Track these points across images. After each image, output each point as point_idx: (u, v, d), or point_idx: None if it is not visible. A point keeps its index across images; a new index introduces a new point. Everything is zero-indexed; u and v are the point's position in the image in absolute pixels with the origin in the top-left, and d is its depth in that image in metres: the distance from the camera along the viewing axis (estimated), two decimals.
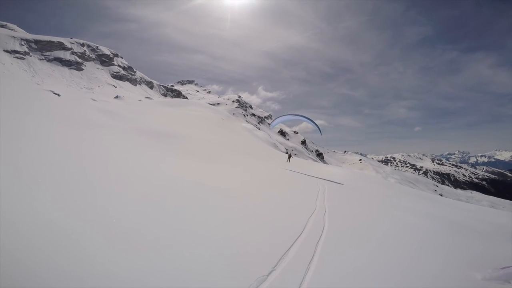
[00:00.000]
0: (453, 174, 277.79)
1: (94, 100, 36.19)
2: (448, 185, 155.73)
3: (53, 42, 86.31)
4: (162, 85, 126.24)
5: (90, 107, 25.71)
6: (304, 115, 21.60)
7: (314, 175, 18.16)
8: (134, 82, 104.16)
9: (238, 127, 49.68)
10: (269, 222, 5.82)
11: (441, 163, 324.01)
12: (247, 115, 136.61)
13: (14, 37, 77.87)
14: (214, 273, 3.35)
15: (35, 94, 23.45)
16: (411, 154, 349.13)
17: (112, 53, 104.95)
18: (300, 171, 19.35)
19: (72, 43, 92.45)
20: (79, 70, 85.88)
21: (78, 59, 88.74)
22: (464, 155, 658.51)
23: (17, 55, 72.57)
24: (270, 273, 3.57)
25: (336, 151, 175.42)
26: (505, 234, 9.01)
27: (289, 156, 23.41)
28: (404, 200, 14.07)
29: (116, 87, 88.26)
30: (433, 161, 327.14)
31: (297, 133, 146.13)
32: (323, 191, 11.29)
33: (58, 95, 30.39)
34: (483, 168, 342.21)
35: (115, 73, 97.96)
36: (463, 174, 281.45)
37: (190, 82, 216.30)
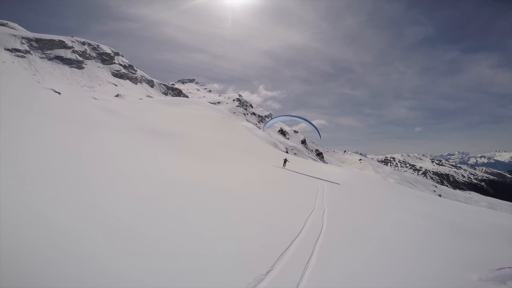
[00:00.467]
0: (452, 175, 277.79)
1: (95, 98, 36.19)
2: (447, 186, 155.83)
3: (54, 40, 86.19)
4: (163, 84, 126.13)
5: (91, 105, 25.72)
6: (302, 117, 20.96)
7: (313, 175, 18.19)
8: (134, 80, 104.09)
9: (238, 126, 49.68)
10: (267, 221, 5.84)
11: (440, 163, 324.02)
12: (247, 114, 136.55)
13: (15, 35, 77.81)
14: (212, 272, 3.38)
15: (36, 92, 23.45)
16: (411, 155, 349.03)
17: (113, 52, 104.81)
18: (299, 170, 19.38)
19: (73, 41, 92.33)
20: (80, 69, 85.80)
21: (79, 57, 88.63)
22: (464, 155, 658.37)
23: (18, 53, 72.51)
24: (268, 272, 3.59)
25: (336, 150, 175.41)
26: (503, 235, 9.05)
27: (285, 161, 21.51)
28: (403, 200, 14.11)
29: (116, 85, 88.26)
30: (432, 162, 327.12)
31: (297, 132, 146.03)
32: (322, 191, 11.31)
33: (59, 93, 30.39)
34: (483, 169, 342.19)
35: (116, 72, 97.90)
36: (462, 175, 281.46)
37: (191, 81, 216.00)
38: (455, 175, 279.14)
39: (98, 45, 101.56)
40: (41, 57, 78.83)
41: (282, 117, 22.17)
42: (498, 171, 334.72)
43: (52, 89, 31.93)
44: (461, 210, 13.97)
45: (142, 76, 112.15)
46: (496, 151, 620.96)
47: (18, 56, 71.74)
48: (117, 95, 60.02)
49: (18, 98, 15.94)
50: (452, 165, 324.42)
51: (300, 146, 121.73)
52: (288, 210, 7.36)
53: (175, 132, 22.86)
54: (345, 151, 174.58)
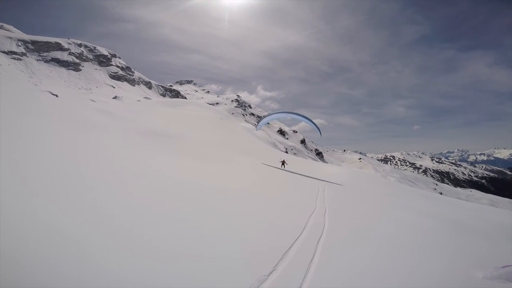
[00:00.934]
0: (452, 173, 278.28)
1: (93, 100, 36.08)
2: (448, 184, 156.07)
3: (50, 42, 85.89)
4: (161, 85, 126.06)
5: (89, 107, 25.62)
6: (298, 113, 19.21)
7: (314, 175, 18.12)
8: (132, 82, 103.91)
9: (237, 127, 49.64)
10: (269, 222, 5.79)
11: (440, 161, 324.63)
12: (246, 115, 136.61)
13: (10, 37, 77.33)
14: (215, 273, 3.33)
15: (33, 95, 23.35)
16: (411, 153, 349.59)
17: (110, 54, 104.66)
18: (299, 170, 19.31)
19: (70, 43, 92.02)
20: (77, 71, 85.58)
21: (75, 59, 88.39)
22: (463, 153, 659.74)
23: (14, 56, 72.14)
24: (271, 273, 3.54)
25: (335, 150, 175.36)
26: (506, 233, 9.00)
27: (283, 163, 19.81)
28: (404, 199, 14.06)
29: (114, 87, 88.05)
30: (432, 160, 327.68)
31: (296, 132, 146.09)
32: (323, 191, 11.26)
33: (56, 96, 30.27)
34: (482, 167, 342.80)
35: (113, 74, 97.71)
36: (463, 173, 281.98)
37: (189, 82, 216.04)
38: (455, 173, 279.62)
39: (95, 47, 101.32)
40: (38, 60, 78.53)
41: (276, 114, 20.45)
42: (498, 168, 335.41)
43: (49, 92, 31.80)
44: (463, 208, 13.92)
45: (139, 77, 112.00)
46: (495, 148, 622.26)
47: (14, 58, 71.35)
48: (115, 97, 59.92)
49: (15, 101, 15.84)
50: (452, 163, 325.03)
51: (300, 146, 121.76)
52: (289, 210, 7.31)
53: (173, 133, 22.78)
54: (344, 150, 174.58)
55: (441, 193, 58.11)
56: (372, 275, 4.05)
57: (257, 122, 23.02)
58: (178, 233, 4.24)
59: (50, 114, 15.26)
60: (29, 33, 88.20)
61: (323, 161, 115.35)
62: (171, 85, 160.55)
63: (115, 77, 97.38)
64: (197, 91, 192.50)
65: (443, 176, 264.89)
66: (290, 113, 19.43)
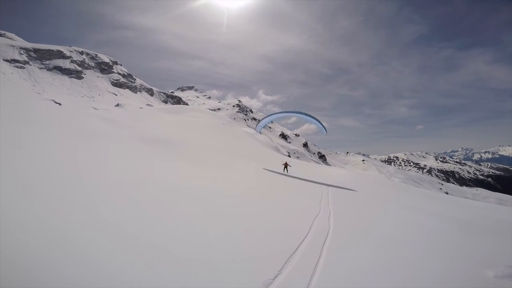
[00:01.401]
0: (457, 172, 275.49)
1: (95, 108, 36.36)
2: (453, 183, 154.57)
3: (52, 50, 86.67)
4: (162, 92, 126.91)
5: (92, 116, 25.80)
6: (300, 111, 17.18)
7: (317, 178, 18.02)
8: (134, 89, 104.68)
9: (239, 132, 49.67)
10: (274, 225, 5.75)
11: (444, 161, 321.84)
12: (248, 120, 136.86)
13: (13, 46, 77.93)
14: (220, 277, 3.31)
15: (37, 104, 23.59)
16: (414, 153, 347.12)
17: (111, 61, 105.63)
18: (302, 174, 19.21)
19: (71, 51, 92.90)
20: (79, 79, 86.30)
21: (77, 67, 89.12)
22: (468, 152, 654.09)
23: (17, 64, 72.74)
24: (276, 276, 3.50)
25: (338, 152, 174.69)
26: None
27: (285, 166, 18.42)
28: (410, 199, 13.90)
29: (116, 95, 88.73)
30: (436, 159, 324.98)
31: (299, 135, 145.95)
32: (326, 193, 11.18)
33: (59, 104, 30.55)
34: (488, 165, 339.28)
35: (115, 81, 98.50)
36: (468, 171, 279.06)
37: (190, 88, 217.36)
38: (460, 172, 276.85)
39: (96, 55, 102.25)
40: (40, 68, 79.20)
41: (275, 115, 18.56)
42: (504, 166, 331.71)
43: (52, 100, 32.09)
44: (470, 207, 13.72)
45: (141, 84, 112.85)
46: (500, 146, 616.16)
47: (17, 67, 71.93)
48: (117, 105, 60.32)
49: (19, 110, 15.99)
50: (457, 162, 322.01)
51: (302, 150, 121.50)
52: (294, 213, 7.27)
53: (176, 140, 22.84)
54: (347, 153, 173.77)
55: (447, 193, 57.49)
56: (381, 278, 3.98)
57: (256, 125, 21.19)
58: (184, 238, 4.23)
59: (54, 123, 15.38)
60: (31, 41, 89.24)
61: (326, 164, 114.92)
62: (172, 92, 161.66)
63: (117, 84, 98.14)
64: (198, 97, 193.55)
65: (448, 176, 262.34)
66: (291, 112, 17.60)
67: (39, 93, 56.42)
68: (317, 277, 3.64)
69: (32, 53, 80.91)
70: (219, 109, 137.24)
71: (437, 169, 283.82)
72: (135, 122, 30.11)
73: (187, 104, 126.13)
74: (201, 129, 37.02)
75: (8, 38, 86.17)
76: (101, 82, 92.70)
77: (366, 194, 12.58)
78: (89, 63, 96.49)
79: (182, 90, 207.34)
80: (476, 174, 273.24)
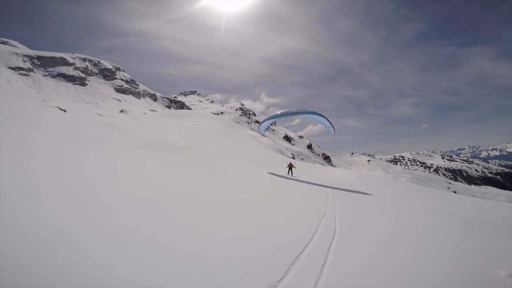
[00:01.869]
0: (465, 170, 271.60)
1: (100, 115, 36.73)
2: (461, 182, 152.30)
3: (56, 57, 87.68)
4: (165, 97, 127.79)
5: (97, 122, 26.08)
6: (305, 110, 15.38)
7: (322, 179, 17.90)
8: (137, 95, 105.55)
9: (242, 135, 49.68)
10: (279, 227, 5.72)
11: (451, 159, 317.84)
12: (251, 123, 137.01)
13: (16, 53, 78.69)
14: (225, 279, 3.28)
15: (43, 111, 23.93)
16: (420, 152, 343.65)
17: (114, 67, 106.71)
18: (308, 175, 19.09)
19: (74, 58, 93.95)
20: (83, 85, 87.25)
21: (81, 74, 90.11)
22: (475, 149, 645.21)
23: (21, 71, 73.64)
24: (282, 278, 3.46)
25: (343, 153, 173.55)
26: None
27: (290, 168, 17.16)
28: (417, 199, 13.72)
29: (120, 101, 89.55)
30: (443, 158, 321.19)
31: (302, 137, 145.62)
32: (332, 194, 11.09)
33: (65, 111, 30.92)
34: (496, 162, 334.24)
35: (118, 87, 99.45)
36: (476, 169, 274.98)
37: (193, 92, 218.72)
38: (468, 170, 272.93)
39: (99, 61, 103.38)
40: (44, 75, 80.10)
41: (279, 116, 16.69)
42: None
43: (57, 107, 32.50)
44: (480, 206, 13.48)
45: (144, 90, 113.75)
46: (507, 143, 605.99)
47: (21, 74, 72.73)
48: (122, 111, 60.91)
49: (27, 117, 16.23)
50: (464, 160, 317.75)
51: (307, 151, 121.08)
52: (300, 215, 7.23)
53: (180, 145, 22.94)
54: (352, 153, 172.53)
55: (455, 192, 56.63)
56: (389, 279, 3.90)
57: (259, 126, 19.76)
58: (188, 239, 4.22)
59: (60, 129, 15.56)
60: (34, 49, 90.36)
61: (331, 165, 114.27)
62: (175, 97, 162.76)
63: (120, 90, 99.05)
64: (201, 101, 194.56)
65: (456, 174, 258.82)
66: (296, 113, 15.78)
67: (44, 100, 57.15)
68: (323, 279, 3.58)
69: (35, 61, 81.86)
70: (222, 113, 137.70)
71: (444, 168, 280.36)
72: (139, 127, 30.35)
73: (190, 108, 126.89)
74: (205, 133, 37.15)
75: (11, 45, 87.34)
76: (104, 88, 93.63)
77: (372, 195, 12.43)
78: (92, 69, 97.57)
79: (185, 95, 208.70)
80: (484, 172, 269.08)
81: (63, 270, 2.89)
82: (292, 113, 15.68)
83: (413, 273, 4.22)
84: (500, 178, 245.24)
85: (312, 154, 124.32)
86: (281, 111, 15.88)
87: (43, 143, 10.43)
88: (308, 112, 15.36)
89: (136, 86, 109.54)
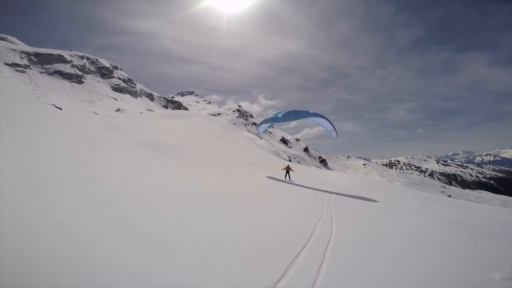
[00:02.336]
0: (459, 175, 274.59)
1: (96, 113, 36.46)
2: (456, 186, 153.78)
3: (53, 55, 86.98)
4: (163, 97, 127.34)
5: (93, 120, 25.88)
6: (309, 111, 14.44)
7: (318, 182, 17.94)
8: (134, 94, 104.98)
9: (239, 137, 49.65)
10: (276, 229, 5.71)
11: (446, 164, 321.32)
12: (248, 124, 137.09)
13: (14, 50, 77.94)
14: (222, 281, 3.27)
15: (38, 108, 23.69)
16: (415, 156, 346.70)
17: (111, 66, 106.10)
18: (304, 178, 19.12)
19: (72, 55, 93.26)
20: (79, 83, 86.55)
21: (78, 72, 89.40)
22: (469, 154, 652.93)
23: (18, 68, 72.87)
24: (279, 280, 3.45)
25: (339, 156, 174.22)
26: None
27: (287, 171, 16.09)
28: (413, 203, 13.82)
29: (117, 99, 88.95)
30: (438, 162, 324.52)
31: (299, 140, 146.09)
32: (328, 197, 11.12)
33: (60, 108, 30.64)
34: (490, 167, 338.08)
35: (115, 86, 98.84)
36: (470, 174, 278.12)
37: (190, 93, 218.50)
38: (462, 174, 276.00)
39: (96, 59, 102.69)
40: (41, 72, 79.32)
41: (277, 119, 15.24)
42: (506, 168, 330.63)
43: (53, 105, 32.17)
44: (474, 210, 13.61)
45: (141, 89, 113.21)
46: (501, 148, 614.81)
47: (18, 71, 71.94)
48: (118, 110, 60.52)
49: (21, 115, 16.04)
50: (458, 165, 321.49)
51: (303, 154, 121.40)
52: (296, 217, 7.23)
53: (176, 145, 22.84)
54: (348, 157, 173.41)
55: (449, 196, 57.13)
56: (384, 281, 3.91)
57: (257, 127, 18.81)
58: (185, 241, 4.21)
59: (56, 127, 15.40)
60: (32, 45, 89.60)
61: (327, 168, 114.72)
62: (172, 97, 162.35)
63: (117, 89, 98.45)
64: (198, 102, 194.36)
65: (450, 179, 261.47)
66: (297, 116, 14.66)
67: (40, 98, 56.54)
68: (320, 281, 3.58)
69: (33, 57, 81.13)
70: (219, 114, 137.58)
71: (439, 172, 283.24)
72: (136, 127, 30.18)
73: (187, 109, 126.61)
74: (201, 134, 37.07)
75: (9, 42, 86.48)
76: (101, 87, 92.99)
77: (368, 198, 12.49)
78: (90, 67, 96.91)
79: (182, 95, 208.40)
80: (478, 176, 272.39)
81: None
82: (294, 115, 14.75)
83: (408, 275, 4.24)
84: (494, 183, 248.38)
85: (309, 157, 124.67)
86: (282, 112, 14.71)
87: (40, 142, 10.31)
88: (311, 114, 14.58)
89: (133, 85, 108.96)
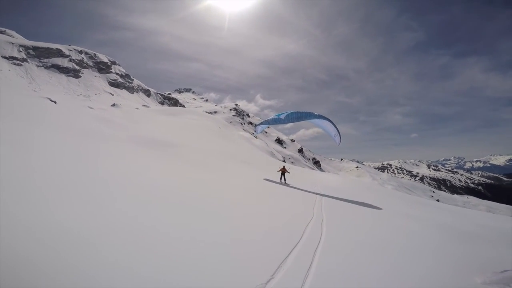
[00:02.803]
0: (449, 180, 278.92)
1: (91, 108, 36.08)
2: (445, 191, 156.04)
3: (51, 49, 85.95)
4: (159, 93, 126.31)
5: (87, 115, 25.63)
6: (313, 113, 13.62)
7: (311, 184, 18.13)
8: (131, 90, 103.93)
9: (235, 136, 49.69)
10: (267, 230, 5.80)
11: (437, 169, 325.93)
12: (244, 124, 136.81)
13: (12, 43, 77.19)
14: (212, 281, 3.32)
15: (33, 101, 23.36)
16: (407, 161, 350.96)
17: (109, 61, 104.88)
18: (297, 179, 19.29)
19: (70, 50, 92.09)
20: (76, 78, 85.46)
21: (76, 66, 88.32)
22: (460, 160, 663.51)
23: (14, 61, 71.92)
24: (268, 281, 3.53)
25: (333, 158, 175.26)
26: (504, 238, 9.02)
27: (283, 173, 15.25)
28: (402, 206, 14.09)
29: (113, 95, 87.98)
30: (429, 167, 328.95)
31: (294, 141, 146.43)
32: (320, 199, 11.29)
33: (55, 102, 30.26)
34: (479, 173, 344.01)
35: (112, 81, 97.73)
36: (459, 180, 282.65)
37: (188, 90, 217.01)
38: (452, 180, 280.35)
39: (95, 54, 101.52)
40: (38, 66, 78.43)
41: (279, 121, 14.40)
42: (495, 175, 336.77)
43: (48, 98, 31.76)
44: (460, 215, 13.96)
45: (138, 85, 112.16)
46: (491, 155, 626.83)
47: (14, 64, 71.12)
48: (113, 105, 59.79)
49: (14, 108, 15.84)
50: (449, 170, 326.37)
51: (297, 155, 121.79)
52: (287, 218, 7.31)
53: (172, 142, 22.79)
54: (342, 159, 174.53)
55: (438, 200, 58.07)
56: (371, 283, 4.06)
57: (255, 131, 18.42)
58: (177, 240, 4.24)
59: (49, 121, 15.26)
60: (32, 39, 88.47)
61: (321, 170, 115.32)
62: (169, 93, 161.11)
63: (114, 84, 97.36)
64: (195, 99, 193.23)
65: (440, 183, 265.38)
66: (300, 117, 13.76)
67: (35, 91, 55.75)
68: (309, 282, 3.69)
69: (31, 51, 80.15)
70: (215, 112, 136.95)
71: (429, 177, 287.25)
72: (131, 122, 29.97)
73: (184, 106, 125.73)
74: (197, 131, 36.98)
75: (8, 35, 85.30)
76: (98, 81, 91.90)
77: (359, 201, 12.72)
78: (88, 62, 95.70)
79: (180, 92, 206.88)
80: (467, 182, 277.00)
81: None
82: (297, 116, 13.80)
83: (394, 276, 4.39)
84: (481, 189, 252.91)
85: (303, 158, 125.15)
86: (285, 113, 13.92)
87: (32, 136, 10.24)
88: (315, 116, 13.63)
89: (130, 81, 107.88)
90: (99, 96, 79.41)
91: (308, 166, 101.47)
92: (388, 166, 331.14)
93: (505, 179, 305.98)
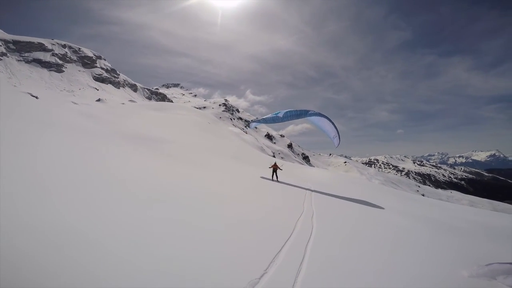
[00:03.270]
0: (433, 175, 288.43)
1: (75, 103, 34.91)
2: (429, 185, 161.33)
3: (33, 43, 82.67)
4: (146, 88, 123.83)
5: (71, 110, 24.80)
6: (313, 111, 13.23)
7: (301, 179, 18.23)
8: (117, 85, 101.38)
9: (224, 131, 49.33)
10: (258, 225, 5.75)
11: (422, 164, 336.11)
12: (234, 119, 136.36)
13: None
14: (205, 277, 3.27)
15: (11, 96, 22.35)
16: (394, 156, 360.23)
17: (95, 55, 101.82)
18: (287, 175, 19.35)
19: (53, 44, 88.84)
20: (59, 72, 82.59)
21: (58, 60, 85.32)
22: (443, 156, 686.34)
23: None
24: (262, 275, 3.51)
25: (321, 154, 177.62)
26: (487, 232, 9.33)
27: (275, 170, 14.77)
28: (389, 201, 14.37)
29: (98, 89, 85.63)
30: (414, 163, 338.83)
31: (284, 136, 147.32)
32: (310, 194, 11.35)
33: (36, 97, 29.08)
34: (461, 169, 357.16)
35: (97, 76, 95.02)
36: (443, 175, 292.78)
37: (176, 85, 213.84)
38: (436, 175, 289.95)
39: (79, 48, 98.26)
40: (18, 60, 75.35)
41: (278, 119, 14.03)
42: (476, 170, 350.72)
43: (29, 93, 30.51)
44: (445, 209, 14.38)
45: (125, 80, 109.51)
46: (473, 151, 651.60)
47: None
48: (99, 100, 58.25)
49: None
50: (433, 165, 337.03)
51: (287, 150, 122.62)
52: (278, 213, 7.31)
53: (159, 137, 22.37)
54: (330, 154, 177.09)
55: (423, 195, 59.87)
56: (361, 276, 4.08)
57: (245, 127, 18.50)
58: (168, 237, 4.15)
59: (30, 117, 14.61)
60: (13, 33, 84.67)
61: (310, 165, 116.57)
62: (157, 88, 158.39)
63: (99, 79, 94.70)
64: (184, 94, 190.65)
65: (425, 178, 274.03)
66: (299, 115, 13.35)
67: (15, 86, 53.51)
68: (302, 276, 3.68)
69: (11, 45, 76.96)
70: (205, 107, 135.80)
71: (415, 172, 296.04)
72: (117, 118, 29.24)
73: (171, 101, 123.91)
74: (187, 127, 36.49)
75: None
76: (82, 76, 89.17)
77: (347, 195, 12.87)
78: (71, 56, 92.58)
79: (167, 87, 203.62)
80: (450, 177, 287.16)
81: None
82: (296, 114, 13.33)
83: (386, 271, 4.43)
84: (464, 184, 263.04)
85: (292, 153, 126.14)
86: (283, 112, 13.56)
87: (13, 133, 9.77)
88: (315, 113, 13.09)
89: (116, 76, 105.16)
90: (84, 91, 77.13)
91: (298, 161, 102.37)
92: (375, 161, 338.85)
93: (486, 174, 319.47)
